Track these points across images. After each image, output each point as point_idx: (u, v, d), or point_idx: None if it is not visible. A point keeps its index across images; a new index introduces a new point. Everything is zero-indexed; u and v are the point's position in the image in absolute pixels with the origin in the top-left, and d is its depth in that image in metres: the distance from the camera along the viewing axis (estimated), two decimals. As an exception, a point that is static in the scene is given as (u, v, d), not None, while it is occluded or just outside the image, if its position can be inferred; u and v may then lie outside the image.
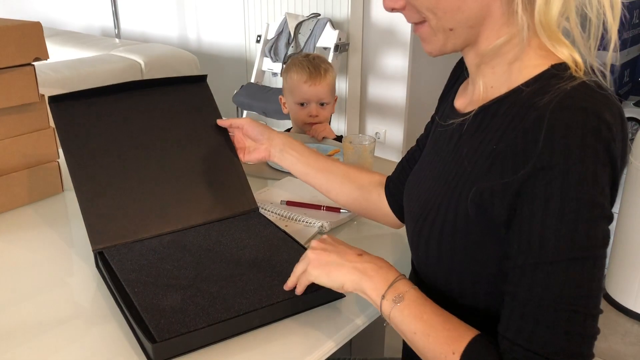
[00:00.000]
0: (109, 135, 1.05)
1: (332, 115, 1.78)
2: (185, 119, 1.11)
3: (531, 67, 0.67)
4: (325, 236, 0.84)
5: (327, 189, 1.04)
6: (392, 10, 0.73)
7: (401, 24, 2.86)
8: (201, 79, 1.16)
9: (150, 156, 1.06)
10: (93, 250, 0.96)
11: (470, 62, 0.75)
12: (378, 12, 2.94)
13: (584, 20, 0.65)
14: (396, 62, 2.96)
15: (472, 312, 0.74)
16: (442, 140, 0.80)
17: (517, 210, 0.63)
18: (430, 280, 0.78)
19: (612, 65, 0.65)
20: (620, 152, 0.62)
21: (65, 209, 1.25)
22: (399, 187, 0.97)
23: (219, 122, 1.11)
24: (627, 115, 3.85)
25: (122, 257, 0.94)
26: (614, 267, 2.20)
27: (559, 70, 0.65)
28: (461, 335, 0.68)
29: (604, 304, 2.23)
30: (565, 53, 0.66)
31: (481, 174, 0.68)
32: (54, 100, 1.03)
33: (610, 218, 0.62)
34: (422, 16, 0.70)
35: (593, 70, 0.65)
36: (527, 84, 0.66)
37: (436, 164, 0.79)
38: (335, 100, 1.77)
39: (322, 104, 1.69)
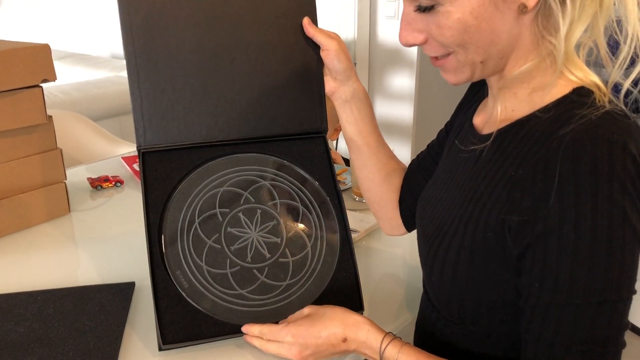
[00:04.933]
0: (179, 10, 0.88)
1: (341, 134, 1.77)
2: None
3: (553, 91, 0.66)
4: (294, 329, 0.77)
5: (362, 165, 0.98)
6: (410, 45, 0.70)
7: (408, 43, 2.87)
8: None
9: (223, 39, 0.90)
10: (137, 148, 0.89)
11: (492, 84, 0.73)
12: (384, 33, 2.95)
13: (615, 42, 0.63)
14: (403, 81, 2.97)
15: (484, 338, 0.73)
16: (459, 161, 0.78)
17: (532, 248, 0.62)
18: (443, 304, 0.77)
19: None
20: None
21: (72, 230, 1.24)
22: (408, 187, 0.96)
23: (306, 24, 0.91)
24: None
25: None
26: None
27: (580, 95, 0.64)
28: None
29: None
30: (582, 77, 0.64)
31: (500, 201, 0.65)
32: None
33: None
34: (449, 50, 0.68)
35: (617, 93, 0.64)
36: (547, 109, 0.65)
37: (452, 185, 0.77)
38: (336, 130, 1.76)
39: None
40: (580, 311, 0.59)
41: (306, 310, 0.80)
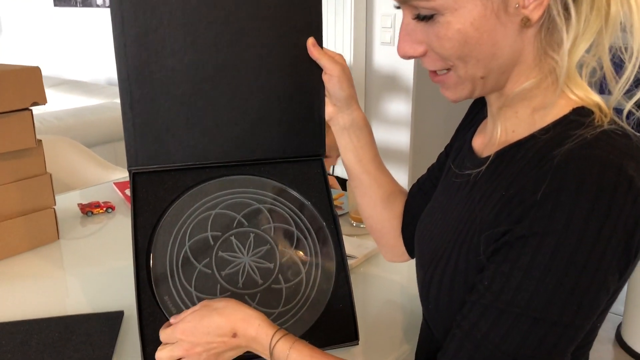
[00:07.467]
0: (177, 29, 0.83)
1: (338, 160, 1.78)
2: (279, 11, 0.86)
3: (553, 111, 0.63)
4: (183, 325, 0.73)
5: (362, 192, 0.94)
6: (409, 57, 0.67)
7: (403, 69, 2.87)
8: None
9: (221, 59, 0.85)
10: (128, 169, 0.85)
11: (492, 103, 0.71)
12: (380, 59, 2.95)
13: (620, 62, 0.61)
14: (399, 107, 2.96)
15: None
16: (456, 185, 0.75)
17: (503, 249, 0.59)
18: (441, 332, 0.73)
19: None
20: None
21: (61, 258, 1.21)
22: (410, 213, 0.93)
23: (310, 45, 0.85)
24: None
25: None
26: (628, 313, 2.14)
27: (580, 115, 0.61)
28: None
29: (619, 351, 2.15)
30: (583, 97, 0.62)
31: (489, 221, 0.63)
32: None
33: (607, 289, 0.57)
34: (448, 64, 0.65)
35: (620, 114, 0.61)
36: (546, 129, 0.62)
37: (449, 210, 0.74)
38: (337, 157, 1.75)
39: None
40: (518, 321, 0.57)
41: (198, 305, 0.75)
